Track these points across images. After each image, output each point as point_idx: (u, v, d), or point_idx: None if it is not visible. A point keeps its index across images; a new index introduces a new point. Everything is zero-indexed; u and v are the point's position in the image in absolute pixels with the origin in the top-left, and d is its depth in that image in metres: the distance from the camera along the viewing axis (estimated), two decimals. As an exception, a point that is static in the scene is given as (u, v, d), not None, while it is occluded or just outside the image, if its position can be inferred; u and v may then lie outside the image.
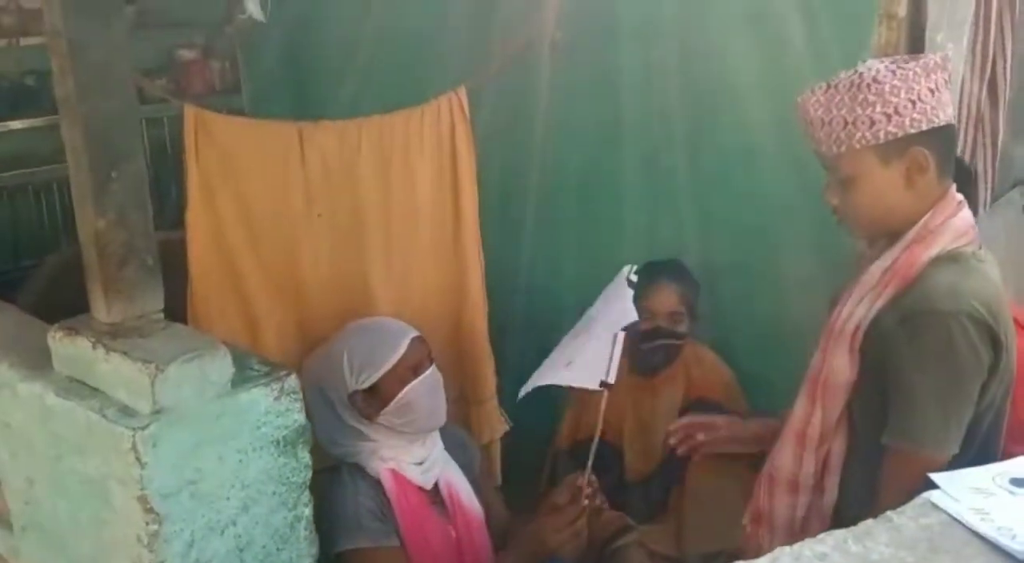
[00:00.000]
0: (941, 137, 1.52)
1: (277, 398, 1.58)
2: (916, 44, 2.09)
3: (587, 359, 1.84)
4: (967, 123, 2.52)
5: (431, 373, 1.96)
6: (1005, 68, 2.60)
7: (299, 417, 1.62)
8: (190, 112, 2.03)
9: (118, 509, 1.50)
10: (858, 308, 1.53)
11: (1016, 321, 1.81)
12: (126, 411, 1.48)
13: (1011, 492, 1.28)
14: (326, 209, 2.18)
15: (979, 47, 2.43)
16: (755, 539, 1.70)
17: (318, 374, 1.96)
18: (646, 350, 2.45)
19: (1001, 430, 1.58)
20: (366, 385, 1.91)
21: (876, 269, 1.54)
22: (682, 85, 2.54)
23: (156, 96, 2.33)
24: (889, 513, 1.27)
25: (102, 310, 1.56)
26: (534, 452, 2.70)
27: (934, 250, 1.50)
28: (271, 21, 2.30)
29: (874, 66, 1.52)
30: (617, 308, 1.90)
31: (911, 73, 1.48)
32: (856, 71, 1.53)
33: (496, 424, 2.51)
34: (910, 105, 1.48)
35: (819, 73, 1.65)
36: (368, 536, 1.83)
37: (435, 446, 2.01)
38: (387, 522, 1.87)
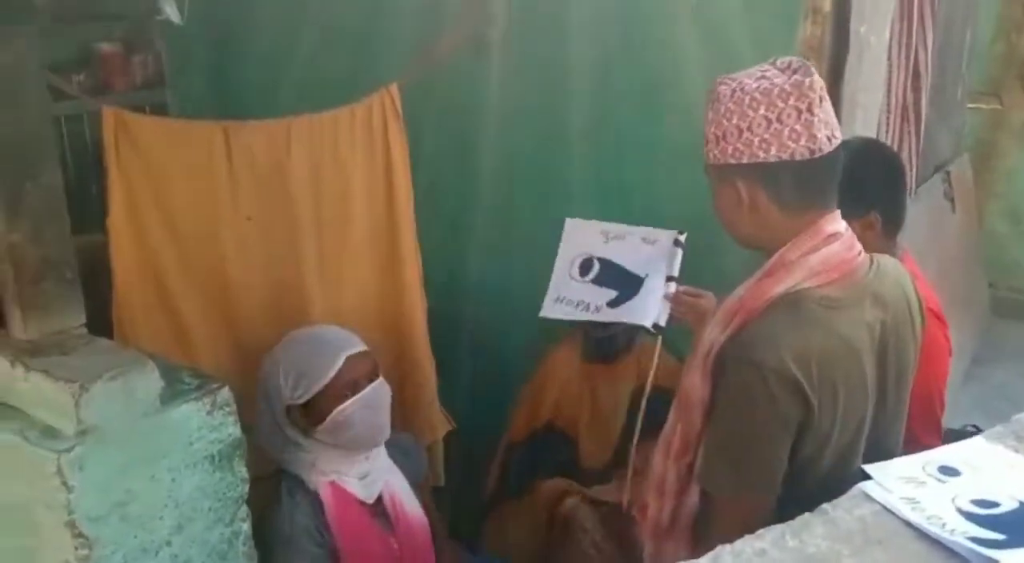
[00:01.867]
0: (773, 172, 1.37)
1: (210, 412, 1.54)
2: (840, 38, 2.12)
3: (635, 300, 1.83)
4: (893, 113, 2.59)
5: (371, 391, 1.89)
6: (927, 58, 2.67)
7: (234, 430, 1.58)
8: (109, 114, 1.96)
9: (45, 536, 1.44)
10: (713, 332, 1.47)
11: (931, 310, 1.86)
12: (49, 433, 1.43)
13: (940, 480, 1.31)
14: (255, 212, 2.14)
15: (904, 39, 2.49)
16: (641, 530, 1.70)
17: (260, 382, 1.91)
18: (607, 337, 2.45)
19: (850, 469, 1.51)
20: (301, 401, 1.86)
21: (733, 297, 1.47)
22: (619, 78, 2.54)
23: (73, 95, 2.23)
24: (824, 505, 1.30)
25: (19, 326, 1.51)
26: (479, 450, 2.70)
27: (781, 287, 1.41)
28: (198, 13, 2.23)
29: (734, 80, 1.40)
30: (653, 255, 1.89)
31: (748, 97, 1.35)
32: (718, 81, 1.42)
33: (438, 425, 2.49)
34: (735, 133, 1.37)
35: (749, 66, 1.66)
36: (302, 559, 1.80)
37: (378, 458, 1.98)
38: (323, 543, 1.84)
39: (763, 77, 1.39)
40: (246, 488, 1.63)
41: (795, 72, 1.39)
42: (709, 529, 1.49)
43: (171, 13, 1.90)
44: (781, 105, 1.35)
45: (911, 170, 2.87)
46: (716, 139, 1.41)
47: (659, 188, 2.59)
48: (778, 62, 1.43)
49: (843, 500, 1.31)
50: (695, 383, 1.49)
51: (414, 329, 2.37)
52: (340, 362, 1.86)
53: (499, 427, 2.64)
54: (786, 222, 1.42)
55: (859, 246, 1.49)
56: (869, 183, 1.81)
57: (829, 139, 1.38)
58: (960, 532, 1.13)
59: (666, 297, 1.83)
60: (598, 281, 1.91)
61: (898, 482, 1.31)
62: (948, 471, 1.35)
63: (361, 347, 1.92)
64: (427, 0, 2.72)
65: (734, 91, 1.38)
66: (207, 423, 1.54)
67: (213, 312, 2.13)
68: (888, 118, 2.59)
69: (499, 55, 2.60)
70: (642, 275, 1.88)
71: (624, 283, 1.88)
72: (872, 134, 2.36)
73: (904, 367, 1.59)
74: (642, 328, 2.42)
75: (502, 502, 2.58)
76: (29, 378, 1.45)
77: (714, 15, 2.33)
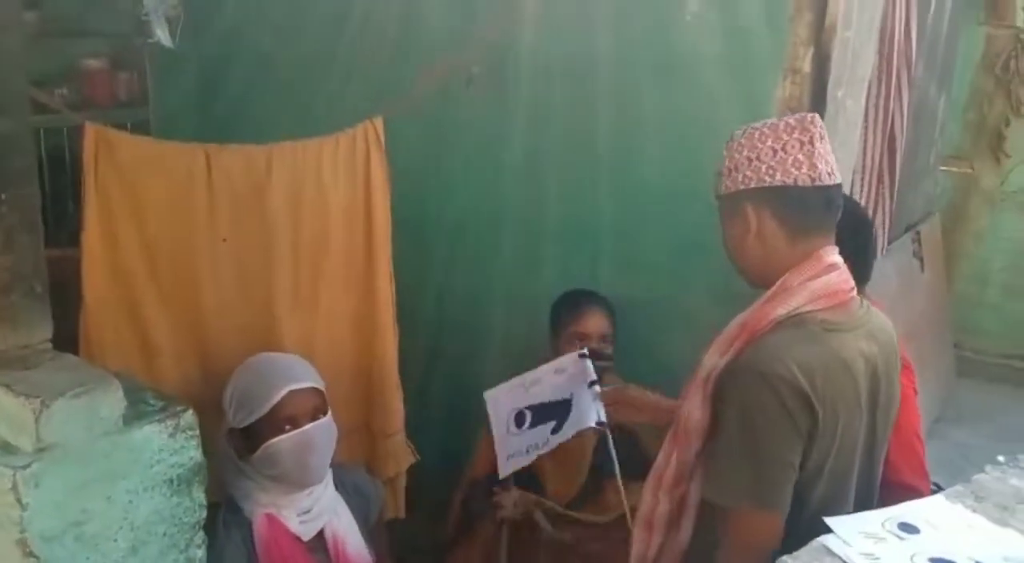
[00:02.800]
0: (778, 197, 1.51)
1: (172, 435, 1.51)
2: (818, 99, 2.17)
3: (572, 415, 2.04)
4: (868, 174, 2.64)
5: (310, 428, 1.82)
6: (902, 123, 2.74)
7: (195, 454, 1.55)
8: (91, 130, 1.95)
9: (-7, 553, 1.41)
10: (712, 358, 1.54)
11: (903, 361, 1.89)
12: (7, 448, 1.39)
13: (900, 537, 1.33)
14: (232, 235, 2.13)
15: (881, 102, 2.55)
16: None
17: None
18: None
19: (844, 499, 1.58)
20: (240, 425, 1.84)
21: (734, 322, 1.54)
22: (602, 124, 2.59)
23: (55, 108, 2.22)
24: (785, 558, 1.30)
25: (-17, 339, 1.47)
26: (441, 483, 2.68)
27: (784, 310, 1.49)
28: (185, 34, 2.24)
29: (751, 125, 1.55)
30: (568, 377, 2.10)
31: (758, 133, 1.52)
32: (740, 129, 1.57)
33: (402, 456, 2.47)
34: (745, 163, 1.52)
35: (731, 120, 1.71)
36: None
37: (322, 496, 1.92)
38: None
39: (773, 123, 1.56)
40: (203, 514, 1.59)
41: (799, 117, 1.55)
42: (719, 548, 1.50)
43: (163, 37, 1.91)
44: (786, 137, 1.51)
45: (884, 229, 2.92)
46: (728, 171, 1.56)
47: (637, 233, 2.63)
48: (787, 117, 1.58)
49: (803, 552, 1.32)
50: (694, 408, 1.54)
51: (384, 359, 2.36)
52: (280, 395, 1.82)
53: (466, 460, 2.62)
54: (790, 249, 1.53)
55: (852, 282, 1.58)
56: (837, 235, 1.85)
57: (829, 174, 1.53)
58: (917, 590, 1.14)
59: (596, 398, 2.02)
60: (536, 423, 2.11)
61: (858, 537, 1.33)
62: (908, 528, 1.37)
63: (309, 383, 1.87)
64: (421, 32, 2.76)
65: (745, 131, 1.55)
66: (168, 446, 1.51)
67: (183, 333, 2.11)
68: (863, 178, 2.64)
69: (484, 90, 2.63)
70: (568, 396, 2.07)
71: (557, 412, 2.07)
72: (846, 193, 2.41)
73: (890, 405, 1.64)
74: (609, 366, 2.49)
75: (463, 539, 2.56)
76: (-10, 391, 1.42)
77: (694, 70, 2.38)
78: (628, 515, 1.93)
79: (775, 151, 1.50)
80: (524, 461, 2.08)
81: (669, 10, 2.43)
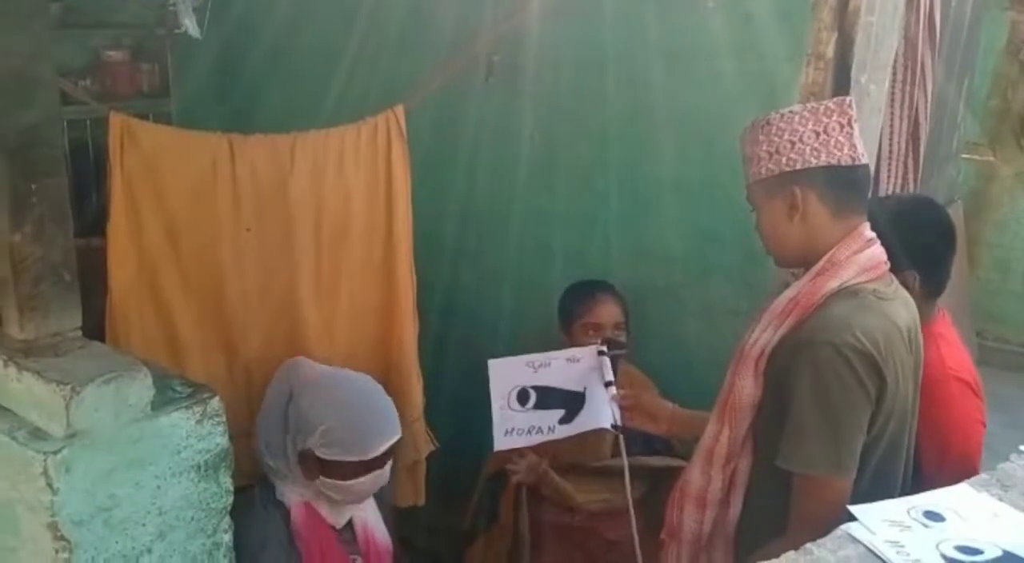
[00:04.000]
0: (823, 176, 1.56)
1: (199, 421, 1.53)
2: (841, 84, 2.15)
3: (585, 411, 1.98)
4: (893, 161, 2.61)
5: (381, 473, 1.92)
6: (925, 107, 2.70)
7: (222, 441, 1.58)
8: (116, 119, 1.96)
9: (26, 536, 1.43)
10: (764, 333, 1.59)
11: (966, 383, 1.85)
12: (38, 434, 1.42)
13: (925, 525, 1.32)
14: (255, 223, 2.14)
15: (907, 88, 2.52)
16: (668, 554, 1.74)
17: (293, 397, 1.91)
18: None
19: (898, 465, 1.63)
20: (324, 457, 1.86)
21: (783, 298, 1.59)
22: (616, 113, 2.57)
23: (79, 99, 2.24)
24: (809, 545, 1.30)
25: (15, 327, 1.50)
26: (462, 471, 2.69)
27: (836, 283, 1.55)
28: (206, 26, 2.25)
29: (785, 110, 1.59)
30: (583, 370, 2.04)
31: (797, 117, 1.56)
32: (760, 119, 1.61)
33: (422, 444, 2.48)
34: (789, 145, 1.56)
35: (749, 109, 1.70)
36: None
37: None
38: (292, 554, 1.84)
39: (804, 107, 1.59)
40: (230, 499, 1.62)
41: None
42: (790, 516, 1.53)
43: (191, 27, 1.91)
44: (826, 120, 1.56)
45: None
46: (768, 155, 1.59)
47: (650, 223, 2.62)
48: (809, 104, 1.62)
49: (827, 540, 1.31)
50: (747, 387, 1.59)
51: (404, 347, 2.37)
52: (383, 447, 1.89)
53: (485, 449, 2.63)
54: (833, 226, 1.58)
55: (886, 255, 1.63)
56: (916, 242, 1.83)
57: (863, 154, 1.59)
58: (943, 577, 1.14)
59: (612, 399, 1.97)
60: (540, 406, 2.04)
61: (883, 525, 1.32)
62: (934, 516, 1.36)
63: (398, 434, 1.95)
64: (433, 23, 2.76)
65: (783, 115, 1.58)
66: (196, 432, 1.53)
67: (207, 320, 2.12)
68: (889, 165, 2.61)
69: (504, 83, 2.63)
70: (581, 389, 2.02)
71: (567, 401, 2.02)
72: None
73: (919, 370, 1.67)
74: (624, 354, 2.48)
75: (480, 534, 2.57)
76: (22, 378, 1.45)
77: (711, 59, 2.37)
78: (632, 513, 1.91)
79: (817, 133, 1.55)
80: (523, 442, 2.04)
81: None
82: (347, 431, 1.86)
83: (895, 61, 2.39)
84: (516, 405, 2.05)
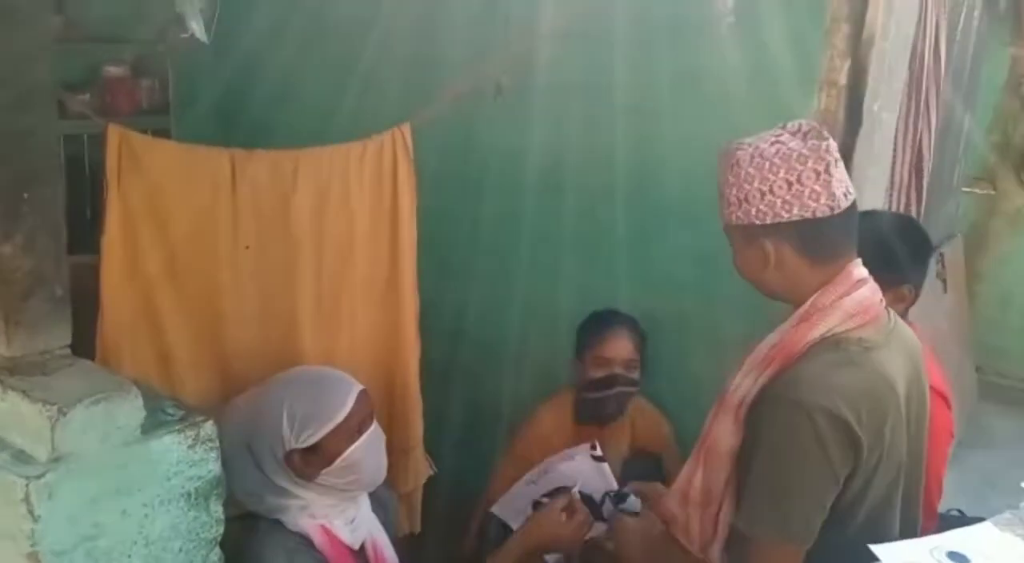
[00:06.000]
0: (797, 230, 1.43)
1: (191, 446, 1.46)
2: (854, 112, 2.14)
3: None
4: (896, 193, 2.60)
5: (375, 429, 1.83)
6: (929, 142, 2.70)
7: (214, 467, 1.50)
8: (115, 132, 1.91)
9: (4, 566, 1.36)
10: (745, 380, 1.48)
11: (938, 392, 1.83)
12: (21, 457, 1.35)
13: (949, 567, 1.27)
14: (255, 241, 2.08)
15: (911, 120, 2.51)
16: None
17: (243, 427, 1.78)
18: (600, 398, 2.41)
19: (891, 515, 1.52)
20: (308, 443, 1.74)
21: (765, 344, 1.49)
22: (624, 138, 2.55)
23: (77, 112, 2.19)
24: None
25: (2, 343, 1.43)
26: (457, 499, 2.62)
27: (819, 331, 1.44)
28: (208, 43, 2.21)
29: (750, 145, 1.45)
30: (583, 469, 2.02)
31: (768, 163, 1.41)
32: (734, 145, 1.47)
33: (421, 470, 2.42)
34: (758, 196, 1.42)
35: (754, 134, 1.65)
36: None
37: (364, 504, 1.90)
38: None
39: (778, 141, 1.45)
40: (221, 529, 1.54)
41: (807, 135, 1.45)
42: None
43: (198, 31, 1.86)
44: (800, 168, 1.41)
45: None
46: (739, 202, 1.46)
47: (658, 249, 2.59)
48: (789, 126, 1.49)
49: (850, 583, 1.26)
50: (725, 433, 1.49)
51: (406, 371, 2.31)
52: (352, 399, 1.78)
53: (485, 476, 2.57)
54: (813, 273, 1.47)
55: (880, 293, 1.52)
56: (904, 257, 1.83)
57: (845, 195, 1.45)
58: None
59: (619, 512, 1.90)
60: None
61: (908, 567, 1.27)
62: (957, 557, 1.32)
63: (362, 386, 1.85)
64: (438, 43, 2.73)
65: (752, 156, 1.44)
66: (187, 458, 1.46)
67: (202, 341, 2.06)
68: (892, 196, 2.60)
69: (512, 105, 2.60)
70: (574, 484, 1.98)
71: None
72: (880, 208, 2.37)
73: (923, 413, 1.58)
74: (633, 391, 2.43)
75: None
76: (6, 398, 1.38)
77: (721, 83, 2.34)
78: None
79: (789, 184, 1.41)
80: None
81: (696, 22, 2.39)
82: (307, 405, 1.75)
83: (901, 92, 2.37)
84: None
